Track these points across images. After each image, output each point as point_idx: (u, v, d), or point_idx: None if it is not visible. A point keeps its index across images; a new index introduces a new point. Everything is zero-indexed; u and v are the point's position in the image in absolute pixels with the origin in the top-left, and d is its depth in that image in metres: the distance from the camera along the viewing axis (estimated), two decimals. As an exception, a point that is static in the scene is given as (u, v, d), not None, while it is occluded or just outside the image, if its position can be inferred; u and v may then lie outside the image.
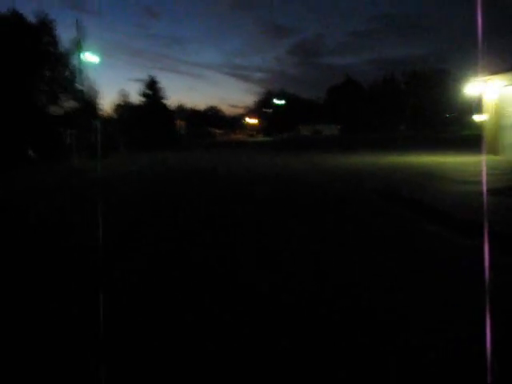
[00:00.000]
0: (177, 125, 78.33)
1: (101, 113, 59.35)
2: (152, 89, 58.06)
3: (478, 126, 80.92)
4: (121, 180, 16.78)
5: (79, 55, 27.80)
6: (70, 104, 31.19)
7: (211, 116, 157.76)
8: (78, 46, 27.72)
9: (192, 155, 30.90)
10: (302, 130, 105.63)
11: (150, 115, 53.30)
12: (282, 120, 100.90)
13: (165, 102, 60.12)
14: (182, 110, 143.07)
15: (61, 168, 22.93)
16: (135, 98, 62.96)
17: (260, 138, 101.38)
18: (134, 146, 44.65)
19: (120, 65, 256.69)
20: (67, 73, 30.74)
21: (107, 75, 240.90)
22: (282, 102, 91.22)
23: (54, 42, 29.82)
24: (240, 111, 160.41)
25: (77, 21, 27.67)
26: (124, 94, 65.92)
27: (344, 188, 12.43)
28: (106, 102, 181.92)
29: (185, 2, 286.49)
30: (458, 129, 79.29)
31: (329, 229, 7.73)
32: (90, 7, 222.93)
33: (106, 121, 53.82)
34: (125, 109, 65.35)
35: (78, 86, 30.90)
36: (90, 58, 27.36)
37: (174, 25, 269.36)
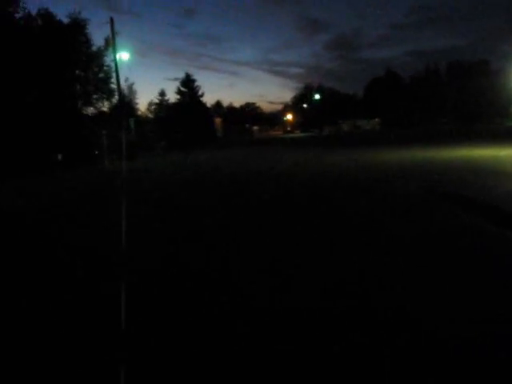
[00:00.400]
0: (215, 122, 77.87)
1: (138, 113, 59.82)
2: (187, 86, 57.70)
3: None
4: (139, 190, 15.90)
5: (113, 54, 27.20)
6: (104, 104, 30.95)
7: (248, 112, 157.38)
8: (111, 45, 27.09)
9: (230, 155, 29.95)
10: (341, 126, 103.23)
11: (186, 113, 52.95)
12: (320, 115, 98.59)
13: (201, 99, 59.78)
14: (219, 108, 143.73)
15: (86, 172, 22.48)
16: (173, 97, 62.90)
17: (298, 133, 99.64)
18: (171, 146, 44.28)
19: (157, 64, 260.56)
20: (101, 72, 30.47)
21: (146, 75, 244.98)
22: (318, 96, 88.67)
23: (86, 41, 29.57)
24: (278, 107, 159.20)
25: (111, 19, 26.99)
26: (161, 93, 66.01)
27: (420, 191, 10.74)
28: (144, 102, 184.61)
29: (219, 0, 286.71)
30: (503, 120, 75.05)
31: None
32: (125, 8, 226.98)
33: (143, 120, 54.04)
34: (162, 108, 65.49)
35: (112, 86, 30.56)
36: (123, 56, 26.69)
37: (209, 23, 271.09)
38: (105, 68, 30.66)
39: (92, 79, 30.35)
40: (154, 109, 69.78)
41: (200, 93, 58.86)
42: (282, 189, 11.78)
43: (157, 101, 66.04)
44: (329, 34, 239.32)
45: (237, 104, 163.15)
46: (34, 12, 28.58)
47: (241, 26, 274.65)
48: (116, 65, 28.38)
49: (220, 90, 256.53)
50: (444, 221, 7.73)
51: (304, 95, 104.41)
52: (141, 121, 55.95)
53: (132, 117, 49.01)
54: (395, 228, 7.45)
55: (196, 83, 58.23)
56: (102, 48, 29.93)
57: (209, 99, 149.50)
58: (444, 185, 10.98)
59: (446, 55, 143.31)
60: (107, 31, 27.33)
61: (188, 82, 57.40)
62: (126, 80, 58.95)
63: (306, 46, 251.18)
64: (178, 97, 57.94)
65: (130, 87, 58.77)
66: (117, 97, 30.82)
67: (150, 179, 17.04)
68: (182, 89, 57.55)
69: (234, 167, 19.27)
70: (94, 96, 30.66)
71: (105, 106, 31.72)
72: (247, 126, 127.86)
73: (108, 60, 30.39)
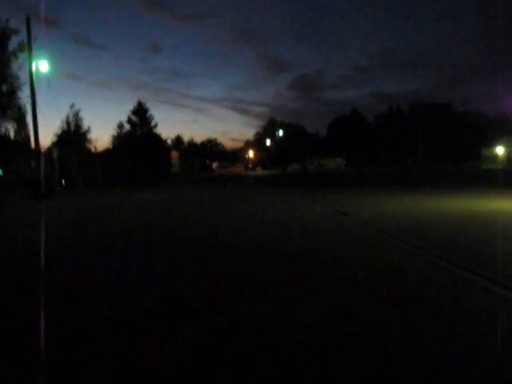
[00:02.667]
0: (171, 157, 71.78)
1: (88, 145, 53.06)
2: (139, 116, 51.54)
3: (497, 160, 74.99)
4: None
5: (28, 63, 20.70)
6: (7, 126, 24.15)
7: (210, 148, 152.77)
8: (25, 51, 20.86)
9: (178, 197, 24.20)
10: (304, 164, 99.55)
11: (136, 145, 46.74)
12: (283, 153, 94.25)
13: (155, 131, 53.31)
14: (179, 143, 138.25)
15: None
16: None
17: (259, 171, 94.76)
18: (114, 181, 37.80)
19: (121, 98, 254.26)
20: (5, 84, 23.73)
21: (111, 108, 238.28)
22: (282, 133, 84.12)
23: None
24: (240, 145, 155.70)
25: (27, 19, 20.92)
26: (119, 125, 59.50)
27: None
28: (108, 135, 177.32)
29: (186, 37, 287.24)
30: (476, 163, 72.87)
31: None
32: (92, 41, 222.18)
33: (92, 154, 47.58)
34: (120, 140, 58.83)
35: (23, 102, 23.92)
36: (42, 67, 20.59)
37: (175, 59, 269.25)
38: (9, 79, 23.72)
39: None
40: (112, 142, 63.54)
41: (153, 123, 52.62)
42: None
43: (115, 134, 59.89)
44: (292, 74, 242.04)
45: (198, 140, 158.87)
46: None
47: (207, 63, 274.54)
48: (31, 75, 22.38)
49: (183, 125, 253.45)
50: None
51: (267, 131, 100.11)
52: (89, 154, 49.25)
53: (72, 148, 42.40)
54: None
55: (149, 113, 52.19)
56: (10, 53, 23.40)
57: (171, 134, 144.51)
58: None
59: (408, 98, 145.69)
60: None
61: (139, 112, 51.14)
62: (72, 106, 52.39)
63: (270, 85, 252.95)
64: (128, 127, 51.49)
65: (76, 114, 52.07)
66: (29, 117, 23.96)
67: None
68: (133, 118, 51.24)
69: (174, 221, 13.23)
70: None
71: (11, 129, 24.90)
72: (207, 161, 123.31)
73: (22, 70, 23.68)
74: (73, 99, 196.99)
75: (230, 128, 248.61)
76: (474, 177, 36.18)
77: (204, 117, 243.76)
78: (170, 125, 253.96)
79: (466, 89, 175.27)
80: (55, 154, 24.48)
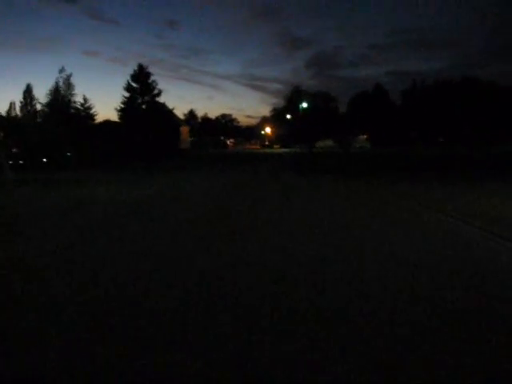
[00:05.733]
0: (180, 132, 64.46)
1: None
2: (140, 81, 43.60)
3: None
4: None
5: None
6: None
7: (224, 124, 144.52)
8: None
9: (179, 188, 17.26)
10: (325, 142, 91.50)
11: (135, 117, 39.56)
12: (303, 129, 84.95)
13: (158, 99, 44.94)
14: (192, 118, 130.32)
15: None
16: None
17: (278, 149, 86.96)
18: (106, 161, 31.00)
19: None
20: None
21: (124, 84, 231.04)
22: (306, 105, 73.89)
23: None
24: (255, 121, 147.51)
25: None
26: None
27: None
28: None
29: (204, 13, 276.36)
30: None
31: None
32: (107, 16, 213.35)
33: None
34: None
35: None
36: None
37: (192, 36, 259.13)
38: None
39: None
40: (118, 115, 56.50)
41: (156, 91, 44.49)
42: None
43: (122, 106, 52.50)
44: (309, 51, 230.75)
45: (213, 115, 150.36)
46: None
47: (223, 40, 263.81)
48: None
49: (199, 102, 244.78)
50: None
51: (290, 101, 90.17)
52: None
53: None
54: None
55: (152, 78, 44.07)
56: None
57: (186, 111, 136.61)
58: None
59: (424, 77, 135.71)
60: None
61: (140, 76, 43.06)
62: (61, 70, 44.96)
63: (287, 62, 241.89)
64: (127, 94, 43.54)
65: (67, 79, 44.63)
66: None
67: None
68: (133, 84, 43.29)
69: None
70: None
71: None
72: (222, 138, 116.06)
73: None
74: (89, 76, 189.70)
75: (246, 105, 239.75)
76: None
77: (219, 94, 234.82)
78: (186, 101, 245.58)
79: (486, 69, 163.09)
80: None
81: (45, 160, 26.32)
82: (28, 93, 61.66)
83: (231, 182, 18.83)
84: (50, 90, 43.15)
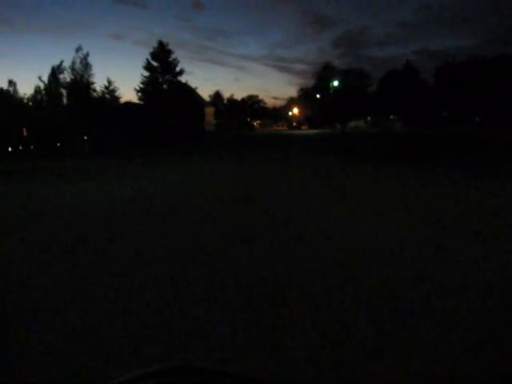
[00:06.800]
0: (205, 113, 62.25)
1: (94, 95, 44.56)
2: (160, 59, 41.25)
3: None
4: None
5: None
6: None
7: (250, 106, 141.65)
8: None
9: (195, 183, 14.17)
10: (357, 122, 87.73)
11: (156, 97, 37.54)
12: (333, 109, 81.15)
13: (180, 79, 42.59)
14: (218, 99, 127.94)
15: None
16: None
17: (306, 130, 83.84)
18: (123, 146, 29.22)
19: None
20: None
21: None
22: (337, 83, 69.47)
23: None
24: (282, 103, 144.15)
25: None
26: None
27: None
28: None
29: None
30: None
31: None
32: (135, 0, 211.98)
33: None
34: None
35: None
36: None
37: (217, 17, 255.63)
38: None
39: None
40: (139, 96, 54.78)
41: (178, 69, 42.07)
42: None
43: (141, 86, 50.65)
44: (336, 31, 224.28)
45: (239, 97, 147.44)
46: None
47: (249, 21, 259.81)
48: None
49: (225, 84, 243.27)
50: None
51: (320, 78, 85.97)
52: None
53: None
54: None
55: (173, 56, 41.56)
56: None
57: (210, 92, 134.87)
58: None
59: (453, 55, 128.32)
60: None
61: (161, 54, 40.70)
62: (78, 50, 43.11)
63: (313, 43, 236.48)
64: (147, 74, 41.41)
65: (84, 59, 42.84)
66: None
67: None
68: (153, 63, 41.07)
69: None
70: None
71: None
72: (248, 119, 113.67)
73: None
74: (116, 59, 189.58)
75: (272, 86, 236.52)
76: None
77: (245, 75, 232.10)
78: (212, 83, 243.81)
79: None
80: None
81: (58, 145, 24.88)
82: (53, 76, 60.67)
83: (254, 180, 14.47)
84: (67, 70, 41.76)
